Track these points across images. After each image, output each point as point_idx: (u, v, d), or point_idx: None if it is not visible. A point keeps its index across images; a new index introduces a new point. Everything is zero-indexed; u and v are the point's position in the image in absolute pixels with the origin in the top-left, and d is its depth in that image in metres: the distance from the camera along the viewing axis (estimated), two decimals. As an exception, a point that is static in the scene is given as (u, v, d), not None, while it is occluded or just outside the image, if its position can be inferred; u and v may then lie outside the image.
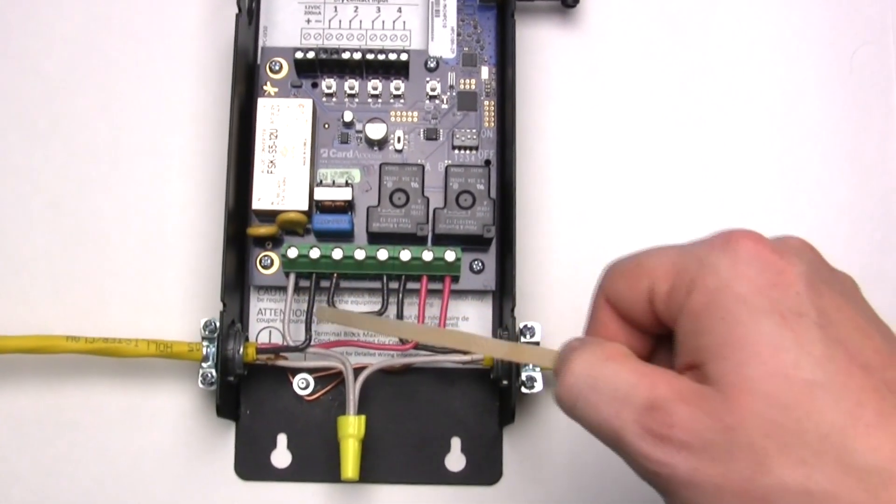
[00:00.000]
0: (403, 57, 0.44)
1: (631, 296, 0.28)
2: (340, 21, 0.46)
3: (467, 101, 0.45)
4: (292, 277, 0.41)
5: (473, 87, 0.45)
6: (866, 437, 0.23)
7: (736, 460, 0.23)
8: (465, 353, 0.41)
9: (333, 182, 0.44)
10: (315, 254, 0.40)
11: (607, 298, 0.29)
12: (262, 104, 0.43)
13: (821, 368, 0.24)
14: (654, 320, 0.28)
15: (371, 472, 0.42)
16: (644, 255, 0.28)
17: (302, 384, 0.43)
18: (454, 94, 0.45)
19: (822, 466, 0.23)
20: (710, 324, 0.25)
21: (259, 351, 0.41)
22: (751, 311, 0.24)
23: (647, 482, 0.26)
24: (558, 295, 0.44)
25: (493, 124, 0.45)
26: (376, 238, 0.43)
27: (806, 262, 0.26)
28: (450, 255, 0.40)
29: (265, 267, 0.43)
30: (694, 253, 0.27)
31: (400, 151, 0.45)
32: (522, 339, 0.41)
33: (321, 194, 0.42)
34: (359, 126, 0.45)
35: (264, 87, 0.45)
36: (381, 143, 0.44)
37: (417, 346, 0.41)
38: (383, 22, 0.47)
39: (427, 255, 0.40)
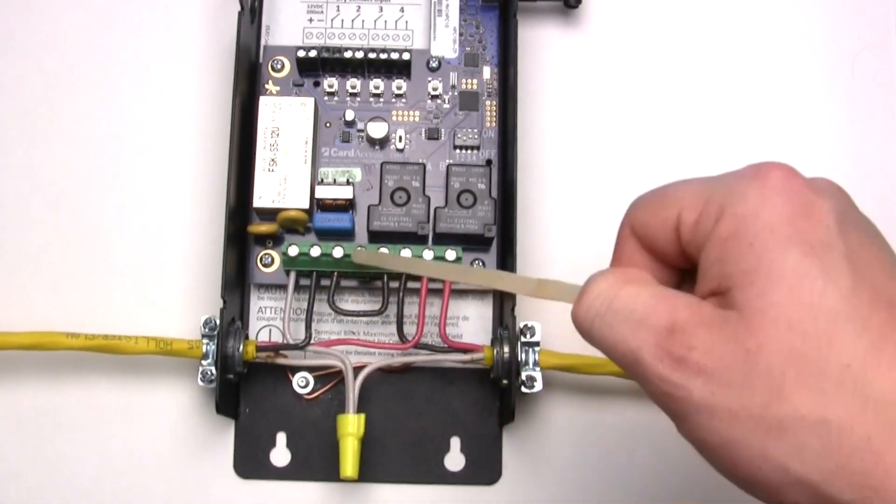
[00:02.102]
0: (405, 56, 0.44)
1: (657, 225, 0.27)
2: (343, 20, 0.47)
3: (469, 101, 0.45)
4: (293, 276, 0.41)
5: (475, 86, 0.45)
6: (888, 371, 0.23)
7: (753, 386, 0.23)
8: (465, 352, 0.41)
9: (334, 181, 0.44)
10: (316, 252, 0.40)
11: (633, 229, 0.28)
12: (264, 102, 0.43)
13: (846, 300, 0.23)
14: (679, 251, 0.27)
15: (370, 471, 0.42)
16: (671, 186, 0.28)
17: (301, 383, 0.43)
18: (456, 93, 0.45)
19: (840, 397, 0.23)
20: (736, 251, 0.25)
21: (259, 349, 0.41)
22: (779, 240, 0.24)
23: (660, 406, 0.25)
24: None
25: (494, 124, 0.45)
26: (377, 237, 0.43)
27: (836, 199, 0.25)
28: (450, 255, 0.40)
29: (266, 265, 0.43)
30: (723, 182, 0.26)
31: (401, 151, 0.45)
32: (522, 339, 0.40)
33: (322, 193, 0.42)
34: (360, 125, 0.45)
35: (266, 86, 0.45)
36: (383, 143, 0.44)
37: (418, 346, 0.41)
38: (385, 21, 0.47)
39: (428, 254, 0.40)
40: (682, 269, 0.28)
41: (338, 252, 0.40)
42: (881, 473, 0.22)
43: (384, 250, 0.40)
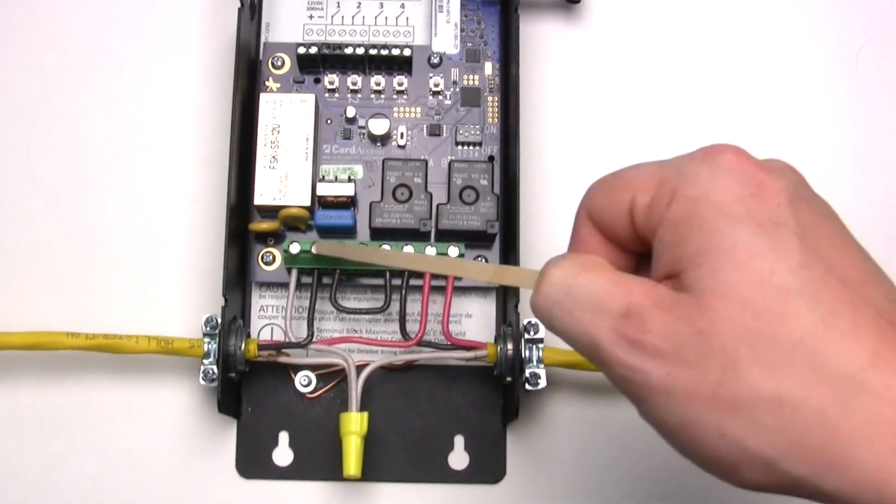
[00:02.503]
0: (406, 52, 0.44)
1: (611, 209, 0.28)
2: (343, 16, 0.46)
3: (470, 97, 0.45)
4: (294, 273, 0.41)
5: (477, 82, 0.45)
6: (839, 345, 0.23)
7: (708, 365, 0.23)
8: (468, 349, 0.41)
9: (336, 178, 0.43)
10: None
11: (589, 214, 0.28)
12: (265, 99, 0.43)
13: (796, 276, 0.23)
14: (633, 234, 0.27)
15: (373, 470, 0.41)
16: (626, 170, 0.28)
17: (304, 381, 0.43)
18: (457, 89, 0.45)
19: (793, 372, 0.23)
20: (687, 233, 0.25)
21: (261, 347, 0.41)
22: (728, 220, 0.24)
23: (621, 391, 0.26)
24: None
25: (496, 120, 0.45)
26: (379, 234, 0.42)
27: (788, 178, 0.26)
28: (453, 251, 0.40)
29: (267, 263, 0.43)
30: (675, 165, 0.27)
31: (403, 147, 0.44)
32: (526, 336, 0.40)
33: (323, 190, 0.42)
34: (361, 122, 0.44)
35: (266, 83, 0.45)
36: (384, 139, 0.44)
37: (421, 344, 0.41)
38: (386, 17, 0.46)
39: (430, 251, 0.40)
40: (639, 254, 0.28)
41: (339, 249, 0.40)
42: (836, 446, 0.22)
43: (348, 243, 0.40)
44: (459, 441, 0.42)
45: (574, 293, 0.26)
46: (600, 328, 0.25)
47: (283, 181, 0.42)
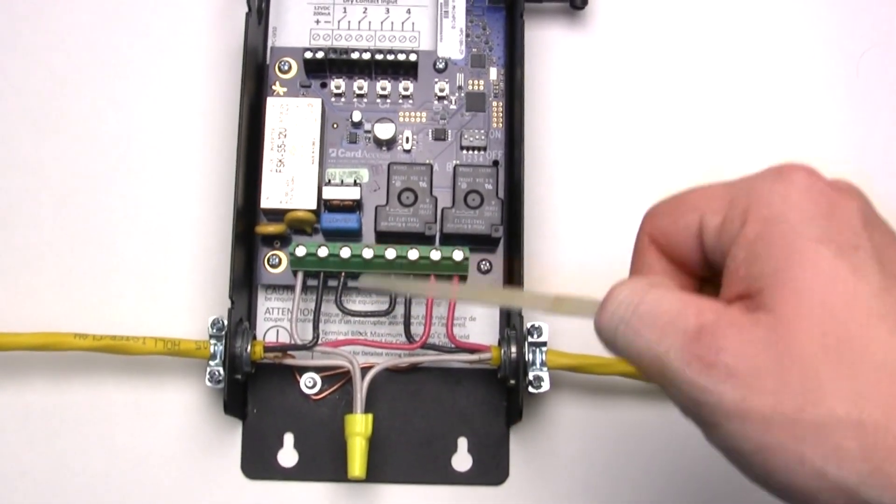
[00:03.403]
0: (412, 57, 0.44)
1: (678, 231, 0.27)
2: (350, 22, 0.47)
3: (476, 102, 0.45)
4: (300, 276, 0.41)
5: (482, 87, 0.45)
6: None
7: (787, 389, 0.23)
8: (472, 352, 0.41)
9: (342, 181, 0.44)
10: (323, 252, 0.40)
11: (652, 238, 0.28)
12: (272, 103, 0.43)
13: (878, 299, 0.23)
14: (701, 257, 0.27)
15: (377, 471, 0.42)
16: (689, 192, 0.27)
17: (309, 383, 0.43)
18: (463, 94, 0.45)
19: (875, 397, 0.22)
20: (766, 251, 0.24)
21: (266, 349, 0.41)
22: (807, 241, 0.24)
23: (688, 415, 0.25)
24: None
25: (501, 125, 0.45)
26: (384, 237, 0.43)
27: (859, 199, 0.25)
28: (458, 255, 0.40)
29: (273, 266, 0.43)
30: (745, 185, 0.26)
31: (408, 151, 0.45)
32: (530, 339, 0.40)
33: (329, 193, 0.42)
34: (367, 126, 0.45)
35: (273, 87, 0.45)
36: (390, 143, 0.44)
37: (425, 346, 0.41)
38: (392, 23, 0.47)
39: (435, 255, 0.40)
40: (703, 279, 0.28)
41: (345, 252, 0.40)
42: None
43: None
44: (463, 443, 0.43)
45: (642, 311, 0.25)
46: (670, 347, 0.24)
47: (289, 184, 0.42)
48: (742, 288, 0.25)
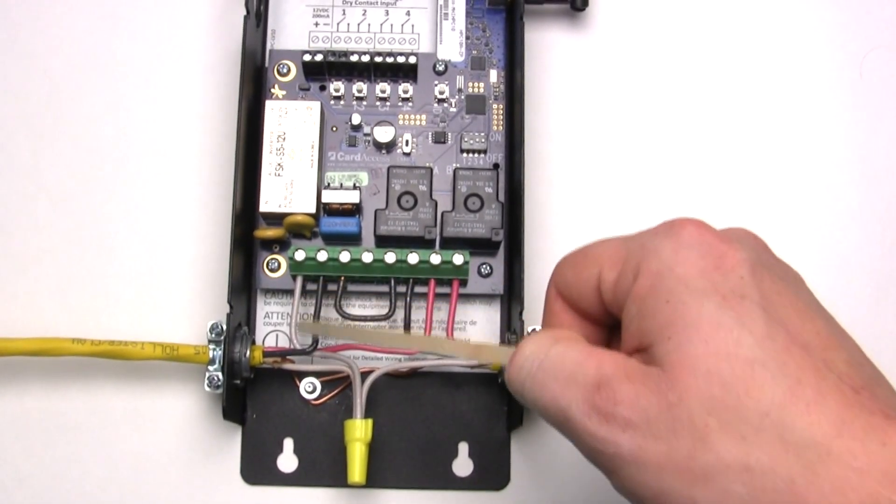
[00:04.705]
0: (412, 60, 0.44)
1: (579, 285, 0.28)
2: (349, 24, 0.46)
3: (476, 105, 0.45)
4: (299, 280, 0.41)
5: (482, 90, 0.45)
6: (805, 413, 0.23)
7: (678, 438, 0.24)
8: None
9: (341, 185, 0.44)
10: (322, 257, 0.40)
11: (558, 290, 0.29)
12: (270, 107, 0.43)
13: (761, 347, 0.24)
14: (602, 308, 0.28)
15: (378, 476, 0.41)
16: (591, 246, 0.29)
17: (308, 388, 0.43)
18: (462, 97, 0.45)
19: (761, 442, 0.23)
20: (654, 306, 0.25)
21: (266, 354, 0.41)
22: (693, 293, 0.25)
23: (592, 462, 0.26)
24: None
25: (501, 128, 0.45)
26: (384, 241, 0.42)
27: (749, 248, 0.26)
28: (458, 259, 0.40)
29: (272, 270, 0.43)
30: (639, 240, 0.27)
31: (408, 154, 0.44)
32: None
33: (329, 197, 0.42)
34: (367, 129, 0.44)
35: (272, 90, 0.45)
36: (389, 146, 0.44)
37: (425, 351, 0.41)
38: (391, 25, 0.46)
39: (435, 259, 0.40)
40: (610, 327, 0.29)
41: (344, 257, 0.40)
42: None
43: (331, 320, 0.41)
44: (464, 448, 0.43)
45: (547, 365, 0.27)
46: (572, 399, 0.26)
47: (288, 188, 0.42)
48: (637, 342, 0.26)
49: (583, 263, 0.29)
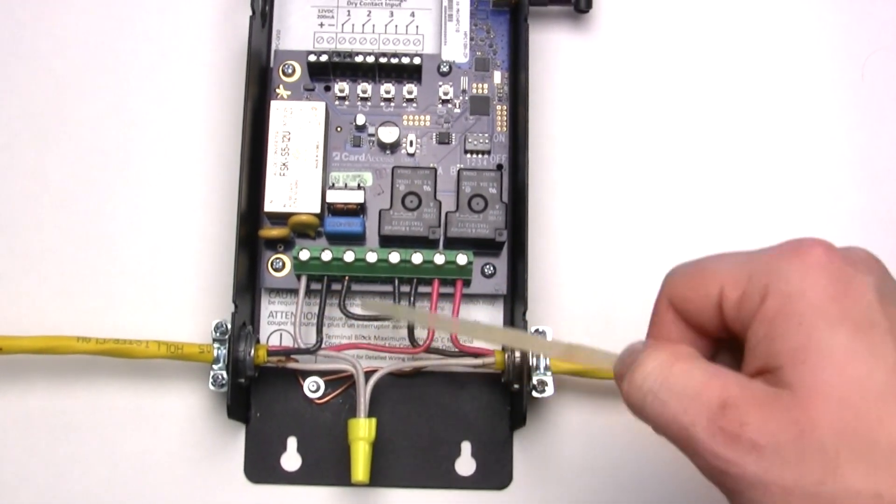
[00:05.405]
0: (416, 61, 0.44)
1: (697, 300, 0.28)
2: (353, 25, 0.47)
3: (480, 106, 0.45)
4: (304, 280, 0.41)
5: (486, 91, 0.45)
6: None
7: (807, 464, 0.24)
8: (477, 356, 0.41)
9: (346, 185, 0.44)
10: (327, 256, 0.40)
11: (671, 302, 0.29)
12: (275, 107, 0.43)
13: (894, 377, 0.24)
14: (720, 325, 0.28)
15: (381, 475, 0.42)
16: (710, 261, 0.29)
17: (312, 387, 0.43)
18: (467, 98, 0.45)
19: (891, 471, 0.23)
20: (784, 329, 0.25)
21: (270, 353, 0.41)
22: (826, 319, 0.25)
23: (713, 482, 0.26)
24: (570, 299, 0.44)
25: (505, 128, 0.45)
26: (388, 241, 0.43)
27: (874, 273, 0.26)
28: (461, 259, 0.40)
29: (276, 269, 0.43)
30: (764, 259, 0.27)
31: (412, 155, 0.45)
32: (534, 343, 0.40)
33: (333, 197, 0.42)
34: (371, 129, 0.45)
35: (277, 90, 0.45)
36: (394, 147, 0.44)
37: (429, 350, 0.41)
38: (396, 26, 0.47)
39: (439, 259, 0.40)
40: (718, 341, 0.29)
41: (349, 256, 0.40)
42: None
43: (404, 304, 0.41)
44: (466, 447, 0.43)
45: (671, 383, 0.27)
46: (696, 419, 0.26)
47: (293, 188, 0.42)
48: (763, 363, 0.26)
49: (700, 279, 0.28)
